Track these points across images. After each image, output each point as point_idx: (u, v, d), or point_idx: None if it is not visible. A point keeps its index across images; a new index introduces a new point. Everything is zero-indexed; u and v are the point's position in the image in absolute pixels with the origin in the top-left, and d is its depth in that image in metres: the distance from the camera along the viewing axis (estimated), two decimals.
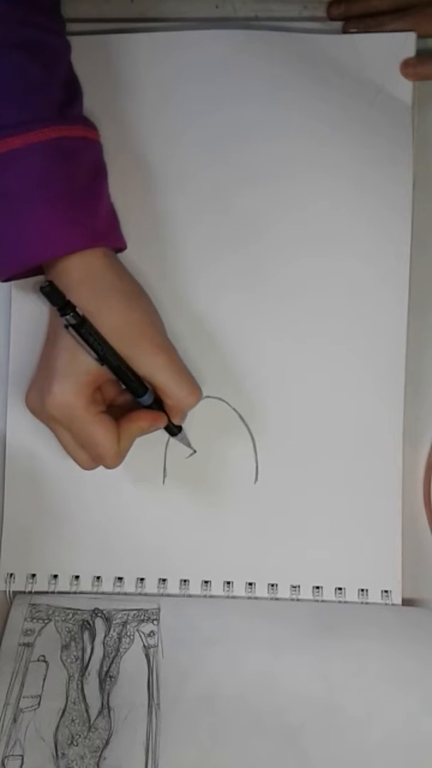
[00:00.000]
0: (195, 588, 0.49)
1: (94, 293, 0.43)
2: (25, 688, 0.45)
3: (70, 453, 0.45)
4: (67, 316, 0.42)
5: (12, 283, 0.49)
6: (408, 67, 0.49)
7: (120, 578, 0.49)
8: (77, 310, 0.42)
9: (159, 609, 0.48)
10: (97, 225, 0.44)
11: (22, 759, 0.42)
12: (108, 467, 0.44)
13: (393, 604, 0.48)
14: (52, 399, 0.43)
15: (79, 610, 0.48)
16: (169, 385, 0.44)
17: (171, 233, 0.49)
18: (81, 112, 0.46)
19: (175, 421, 0.47)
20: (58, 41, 0.45)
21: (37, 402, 0.44)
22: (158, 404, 0.46)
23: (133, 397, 0.45)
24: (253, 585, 0.49)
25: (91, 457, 0.45)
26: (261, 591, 0.49)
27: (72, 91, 0.46)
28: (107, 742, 0.43)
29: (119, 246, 0.47)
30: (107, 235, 0.45)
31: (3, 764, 0.42)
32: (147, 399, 0.45)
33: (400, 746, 0.43)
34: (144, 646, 0.47)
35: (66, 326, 0.42)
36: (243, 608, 0.48)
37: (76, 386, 0.43)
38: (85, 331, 0.42)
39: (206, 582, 0.49)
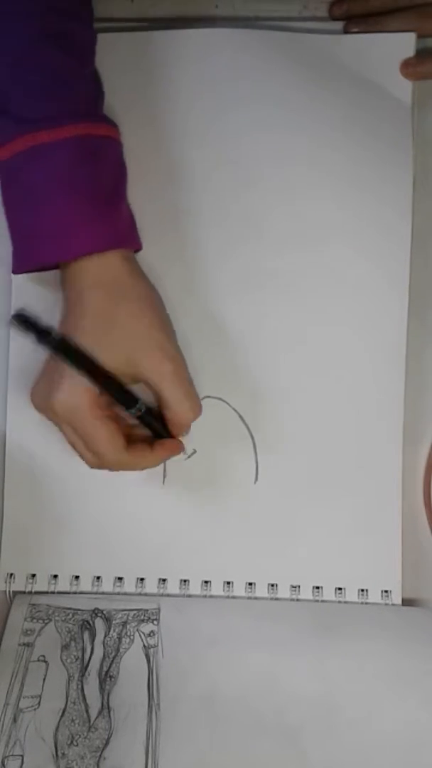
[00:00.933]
0: (195, 588, 0.49)
1: (109, 296, 0.43)
2: (25, 688, 0.45)
3: (77, 451, 0.45)
4: (46, 341, 0.42)
5: (12, 282, 0.49)
6: (408, 67, 0.49)
7: (120, 578, 0.49)
8: (53, 334, 0.42)
9: (159, 609, 0.48)
10: (118, 227, 0.44)
11: (22, 759, 0.42)
12: (110, 469, 0.44)
13: (393, 604, 0.48)
14: (60, 395, 0.43)
15: (79, 610, 0.48)
16: (172, 395, 0.44)
17: (169, 233, 0.49)
18: (103, 110, 0.45)
19: (175, 435, 0.46)
20: (87, 33, 0.44)
21: (43, 399, 0.44)
22: (149, 418, 0.45)
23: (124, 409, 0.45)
24: (253, 585, 0.49)
25: (94, 456, 0.44)
26: (261, 591, 0.49)
27: (98, 86, 0.45)
28: (107, 742, 0.43)
29: (136, 248, 0.46)
30: (127, 238, 0.45)
31: (3, 764, 0.42)
32: (135, 412, 0.44)
33: (400, 746, 0.43)
34: (144, 646, 0.47)
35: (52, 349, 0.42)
36: (243, 608, 0.48)
37: (82, 386, 0.42)
38: (69, 351, 0.42)
39: (206, 582, 0.49)
